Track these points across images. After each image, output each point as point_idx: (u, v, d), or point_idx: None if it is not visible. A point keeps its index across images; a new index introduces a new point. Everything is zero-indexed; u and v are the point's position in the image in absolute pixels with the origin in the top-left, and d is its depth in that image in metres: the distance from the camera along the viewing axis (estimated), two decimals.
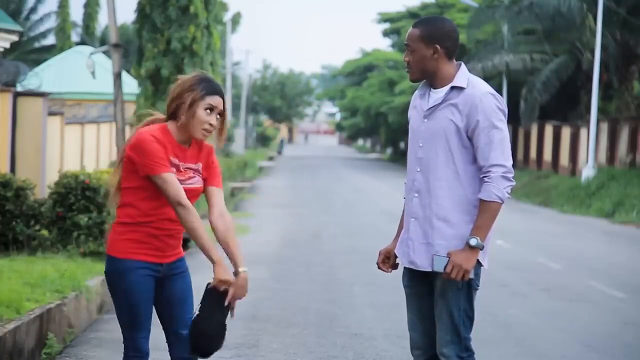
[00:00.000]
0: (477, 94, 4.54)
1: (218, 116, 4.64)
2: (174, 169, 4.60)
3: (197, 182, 4.68)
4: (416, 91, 4.78)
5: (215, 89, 4.64)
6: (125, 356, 4.69)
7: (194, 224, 4.52)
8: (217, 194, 4.70)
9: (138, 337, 4.67)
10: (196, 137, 4.64)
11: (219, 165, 4.80)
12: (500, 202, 4.50)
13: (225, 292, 4.56)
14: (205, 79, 4.66)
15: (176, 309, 4.71)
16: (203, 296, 4.61)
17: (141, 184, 4.58)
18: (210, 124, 4.61)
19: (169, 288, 4.70)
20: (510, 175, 4.51)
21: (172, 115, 4.66)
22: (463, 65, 4.65)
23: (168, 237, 4.64)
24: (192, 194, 4.64)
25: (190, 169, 4.66)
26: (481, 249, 4.51)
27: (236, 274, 4.60)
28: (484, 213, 4.50)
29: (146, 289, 4.62)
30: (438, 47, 4.58)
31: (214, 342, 4.63)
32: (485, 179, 4.50)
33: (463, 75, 4.61)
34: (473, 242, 4.48)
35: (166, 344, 4.78)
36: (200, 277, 5.51)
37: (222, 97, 4.66)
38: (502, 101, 4.60)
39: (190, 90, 4.60)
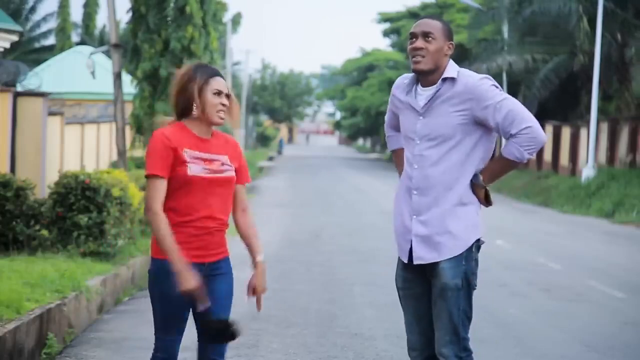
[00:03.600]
0: (472, 82, 4.60)
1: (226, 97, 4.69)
2: (193, 164, 4.57)
3: (229, 171, 4.68)
4: (397, 88, 4.80)
5: (214, 71, 4.70)
6: (153, 356, 4.69)
7: (160, 232, 4.52)
8: (242, 190, 4.81)
9: (168, 339, 4.66)
10: (214, 122, 4.65)
11: (245, 159, 4.85)
12: (517, 161, 4.55)
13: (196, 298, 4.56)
14: (200, 65, 4.73)
15: (214, 310, 4.69)
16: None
17: (171, 186, 4.59)
18: (222, 104, 4.65)
19: (209, 289, 4.65)
20: (536, 134, 4.50)
21: (183, 113, 4.67)
22: (451, 60, 4.72)
23: (209, 235, 4.63)
24: (224, 182, 4.65)
25: (218, 160, 4.66)
26: (481, 187, 4.60)
27: (255, 264, 4.73)
28: (497, 161, 4.61)
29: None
30: (452, 44, 4.68)
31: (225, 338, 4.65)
32: (513, 139, 4.53)
33: (453, 69, 4.66)
34: (473, 179, 4.61)
35: (195, 343, 4.77)
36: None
37: (223, 77, 4.72)
38: (495, 81, 4.67)
39: (191, 81, 4.64)
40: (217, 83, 4.65)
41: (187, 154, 4.59)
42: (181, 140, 4.60)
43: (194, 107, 4.63)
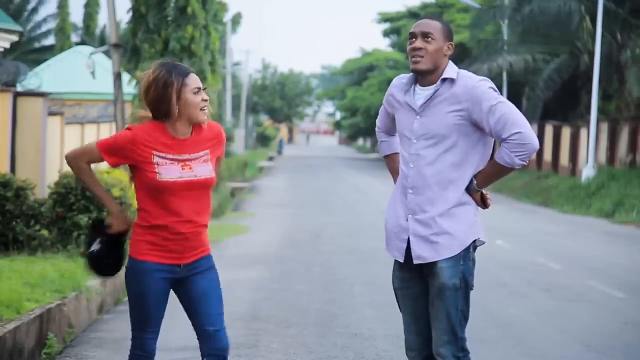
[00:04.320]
0: (471, 83, 4.59)
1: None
2: (164, 169, 4.55)
3: (206, 172, 4.64)
4: (395, 87, 4.79)
5: (186, 70, 4.63)
6: (131, 354, 4.73)
7: (82, 174, 4.67)
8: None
9: (145, 337, 4.71)
10: (200, 121, 4.61)
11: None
12: (508, 166, 4.55)
13: (121, 233, 4.78)
14: (170, 66, 4.63)
15: (200, 306, 4.71)
16: (97, 233, 4.81)
17: (142, 187, 4.60)
18: (204, 100, 4.62)
19: (190, 287, 4.69)
20: (527, 141, 4.48)
21: (163, 117, 4.61)
22: (450, 61, 4.72)
23: (184, 240, 4.62)
24: (201, 185, 4.62)
25: (196, 158, 4.62)
26: (475, 191, 4.60)
27: None
28: (490, 165, 4.61)
29: (158, 292, 4.64)
30: (452, 44, 4.68)
31: (111, 270, 4.91)
32: (504, 144, 4.53)
33: (452, 69, 4.66)
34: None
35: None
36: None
37: (194, 73, 4.68)
38: (493, 84, 4.67)
39: (168, 86, 4.56)
40: (193, 81, 4.60)
41: (158, 157, 4.56)
42: (154, 142, 4.57)
43: (175, 112, 4.57)
